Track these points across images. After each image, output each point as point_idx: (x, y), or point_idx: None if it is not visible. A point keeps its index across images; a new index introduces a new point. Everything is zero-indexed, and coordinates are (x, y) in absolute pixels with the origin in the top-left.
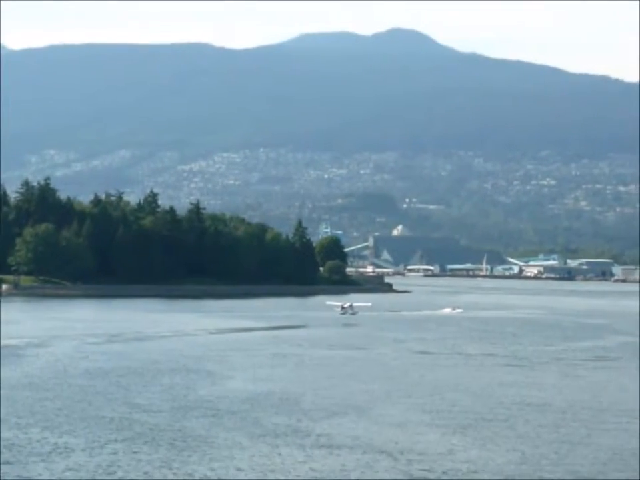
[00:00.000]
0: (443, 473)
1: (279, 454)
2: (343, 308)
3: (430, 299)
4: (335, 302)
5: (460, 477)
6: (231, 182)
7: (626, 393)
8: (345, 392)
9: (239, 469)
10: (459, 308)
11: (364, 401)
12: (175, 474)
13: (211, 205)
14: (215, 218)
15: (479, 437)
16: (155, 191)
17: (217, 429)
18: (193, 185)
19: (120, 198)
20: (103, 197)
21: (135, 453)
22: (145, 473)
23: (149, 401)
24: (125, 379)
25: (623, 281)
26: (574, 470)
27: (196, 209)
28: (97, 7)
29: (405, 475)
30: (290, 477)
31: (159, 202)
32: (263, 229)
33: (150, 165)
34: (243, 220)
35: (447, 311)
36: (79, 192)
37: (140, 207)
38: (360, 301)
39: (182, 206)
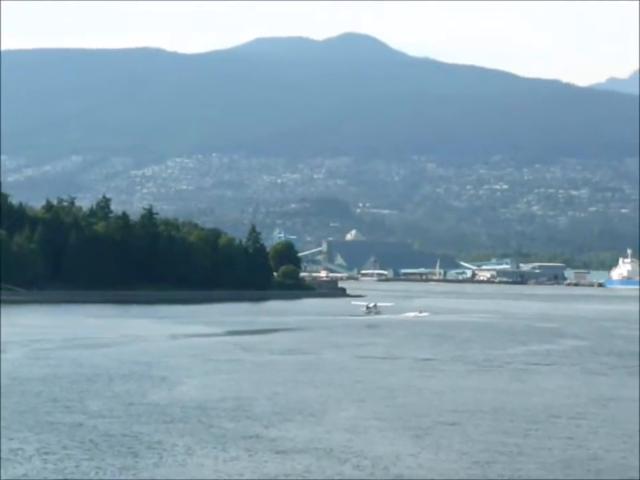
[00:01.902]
0: (395, 476)
1: (232, 459)
2: (367, 308)
3: (385, 303)
4: (360, 302)
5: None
6: (184, 187)
7: (576, 397)
8: (297, 397)
9: (191, 475)
10: (425, 312)
11: (316, 406)
12: (130, 478)
13: (164, 210)
14: (167, 223)
15: (430, 441)
16: (108, 196)
17: (170, 435)
18: (145, 190)
19: (72, 203)
20: (55, 202)
21: (88, 459)
22: (99, 478)
23: (102, 407)
24: (77, 385)
25: (575, 284)
26: (524, 474)
27: (149, 214)
28: (48, 11)
29: (359, 479)
30: None
31: (112, 207)
32: (216, 234)
33: (102, 170)
34: (196, 225)
35: (413, 314)
36: (31, 197)
37: (92, 212)
38: (313, 305)
39: (135, 211)
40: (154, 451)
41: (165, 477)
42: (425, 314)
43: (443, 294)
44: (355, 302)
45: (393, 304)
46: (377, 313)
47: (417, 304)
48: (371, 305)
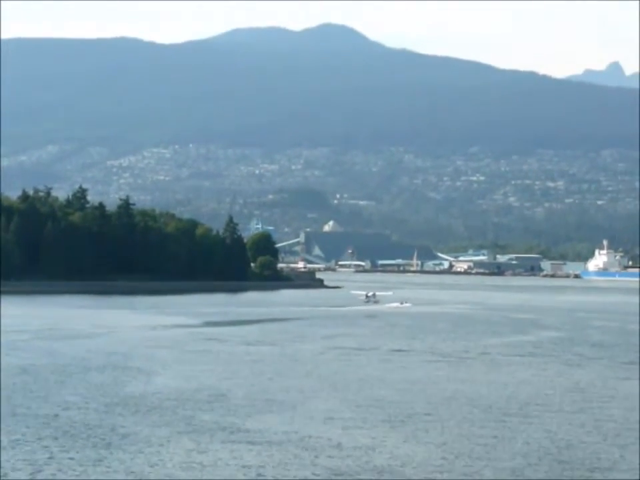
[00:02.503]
0: (371, 467)
1: (208, 450)
2: (367, 297)
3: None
4: (359, 292)
5: (386, 471)
6: (161, 177)
7: (551, 388)
8: (273, 388)
9: (167, 466)
10: (407, 302)
11: (292, 397)
12: (104, 471)
13: (141, 201)
14: (144, 214)
15: (406, 431)
16: (84, 186)
17: (146, 426)
18: (122, 181)
19: (48, 194)
20: (31, 192)
21: (63, 450)
22: (74, 470)
23: (78, 398)
24: (53, 376)
25: (552, 276)
26: (499, 464)
27: (125, 205)
28: (24, 1)
29: (333, 470)
30: (218, 473)
31: (88, 198)
32: (193, 224)
33: (79, 161)
34: (173, 216)
35: (395, 305)
36: (7, 187)
37: (69, 202)
38: (291, 295)
39: (111, 202)
40: (130, 441)
41: (140, 468)
42: (407, 305)
43: (420, 285)
44: (354, 291)
45: (392, 293)
46: (376, 302)
47: (395, 295)
48: (370, 294)
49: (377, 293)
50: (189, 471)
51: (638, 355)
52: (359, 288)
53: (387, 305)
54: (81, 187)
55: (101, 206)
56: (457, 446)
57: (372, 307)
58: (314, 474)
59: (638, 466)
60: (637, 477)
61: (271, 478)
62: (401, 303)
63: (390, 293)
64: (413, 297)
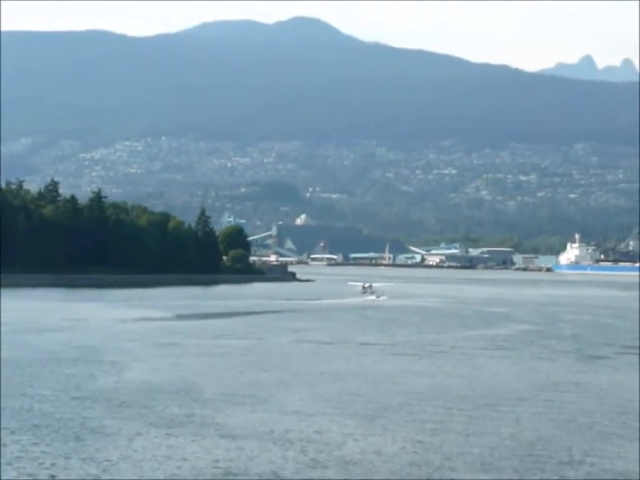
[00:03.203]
0: (341, 460)
1: (178, 443)
2: (363, 288)
3: (334, 288)
4: (356, 283)
5: (357, 464)
6: (133, 170)
7: (523, 381)
8: (244, 381)
9: (138, 459)
10: (383, 296)
11: (264, 390)
12: (74, 464)
13: (113, 194)
14: (116, 207)
15: (378, 424)
16: (56, 179)
17: (117, 419)
18: (94, 174)
19: (20, 186)
20: (2, 185)
21: (34, 443)
22: (44, 463)
23: (49, 391)
24: (24, 369)
25: (524, 269)
26: (470, 458)
27: (97, 198)
28: None
29: (303, 463)
30: (188, 466)
31: (60, 190)
32: (165, 217)
33: (51, 153)
34: (145, 209)
35: (371, 298)
36: None
37: (40, 195)
38: (264, 288)
39: (83, 194)
40: (100, 434)
41: (111, 461)
42: (383, 298)
43: (392, 278)
44: (351, 283)
45: (392, 284)
46: (372, 293)
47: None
48: (367, 285)
49: (373, 284)
50: (160, 464)
51: (609, 348)
52: (333, 281)
53: (364, 299)
54: (52, 180)
55: (73, 199)
56: (428, 439)
57: (345, 300)
58: (284, 467)
59: (609, 458)
60: (608, 469)
61: (241, 471)
62: (377, 297)
63: (390, 284)
64: (386, 290)
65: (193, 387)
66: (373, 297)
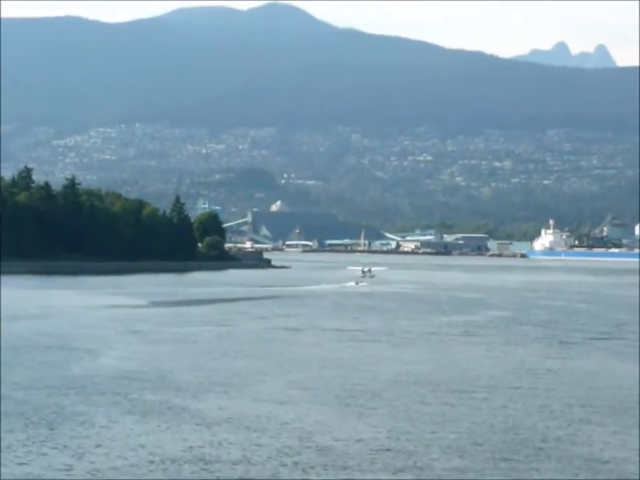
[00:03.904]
0: (314, 447)
1: (153, 430)
2: (362, 272)
3: (310, 274)
4: (356, 267)
5: (330, 451)
6: (107, 157)
7: (497, 367)
8: (219, 368)
9: (112, 446)
10: (362, 282)
11: (239, 377)
12: (48, 451)
13: (87, 181)
14: (90, 193)
15: (354, 411)
16: (30, 166)
17: (91, 406)
18: (68, 160)
19: None
20: None
21: (7, 431)
22: (17, 450)
23: (22, 379)
24: None
25: (498, 255)
26: (445, 444)
27: (71, 185)
28: None
29: (276, 450)
30: (162, 453)
31: (34, 177)
32: (139, 204)
33: (24, 140)
34: (119, 195)
35: (350, 284)
36: None
37: (14, 182)
38: (239, 275)
39: (57, 181)
40: (74, 422)
41: (85, 448)
42: (363, 284)
43: (368, 265)
44: (350, 267)
45: (386, 268)
46: (372, 277)
47: (343, 275)
48: (366, 269)
49: (372, 269)
50: (134, 451)
51: (582, 334)
52: (308, 268)
53: (343, 284)
54: (26, 167)
55: (47, 186)
56: (403, 425)
57: (320, 286)
58: (258, 454)
59: (583, 443)
60: (582, 454)
61: (215, 458)
62: (356, 283)
63: (384, 268)
64: (355, 277)
65: (167, 374)
66: (352, 283)
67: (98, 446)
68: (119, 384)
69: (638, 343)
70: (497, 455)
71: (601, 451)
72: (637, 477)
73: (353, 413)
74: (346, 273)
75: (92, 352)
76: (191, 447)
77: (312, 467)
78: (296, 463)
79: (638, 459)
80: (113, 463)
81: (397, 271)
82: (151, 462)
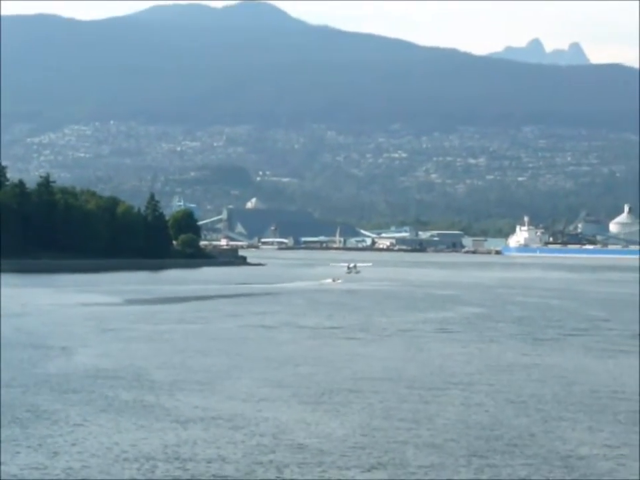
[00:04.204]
0: (289, 444)
1: (127, 428)
2: (348, 268)
3: (285, 271)
4: (341, 263)
5: (305, 448)
6: (82, 155)
7: (472, 364)
8: (194, 366)
9: (86, 444)
10: (339, 279)
11: (214, 375)
12: (21, 450)
13: (62, 178)
14: (65, 191)
15: (328, 408)
16: (4, 163)
17: (66, 404)
18: (42, 158)
19: None
20: None
21: None
22: None
23: None
24: None
25: (473, 252)
26: (420, 441)
27: (46, 182)
28: None
29: (254, 447)
30: (137, 451)
31: (8, 175)
32: (114, 202)
33: None
34: (94, 193)
35: (327, 281)
36: None
37: None
38: (214, 273)
39: (32, 179)
40: (49, 420)
41: (59, 446)
42: (339, 281)
43: (343, 262)
44: (334, 264)
45: (371, 264)
46: (357, 272)
47: (319, 272)
48: (351, 265)
49: (358, 264)
50: (108, 449)
51: (557, 330)
52: (284, 265)
53: (321, 282)
54: (0, 164)
55: (21, 183)
56: (378, 422)
57: (296, 284)
58: (232, 451)
59: (557, 439)
60: (557, 450)
61: (190, 456)
62: (334, 280)
63: (370, 264)
64: (337, 273)
65: (141, 372)
66: (330, 280)
67: (72, 444)
68: (94, 382)
69: (612, 340)
70: (472, 451)
71: (575, 448)
72: (611, 473)
73: (328, 410)
74: (324, 270)
75: (66, 350)
76: (165, 445)
77: (287, 465)
78: (271, 461)
79: (612, 455)
80: (88, 462)
81: (372, 268)
82: (126, 460)
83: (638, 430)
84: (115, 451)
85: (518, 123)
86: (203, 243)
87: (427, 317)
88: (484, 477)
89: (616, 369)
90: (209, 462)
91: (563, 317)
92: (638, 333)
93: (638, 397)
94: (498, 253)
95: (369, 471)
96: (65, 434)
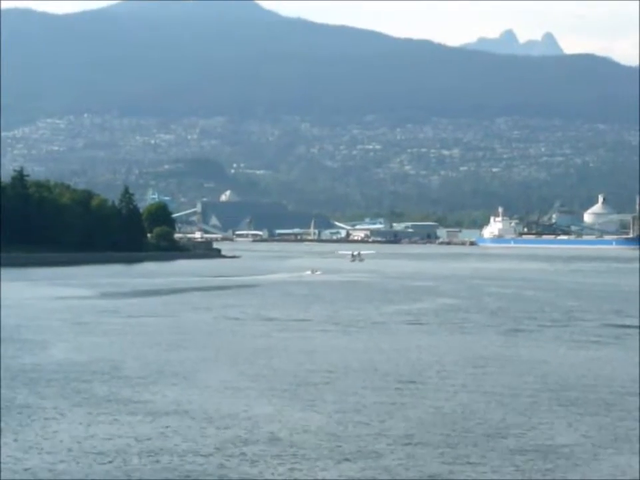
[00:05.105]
0: (263, 436)
1: (101, 422)
2: (352, 255)
3: (260, 264)
4: (345, 251)
5: (278, 440)
6: (56, 148)
7: (447, 355)
8: (168, 359)
9: (61, 438)
10: (317, 271)
11: (188, 368)
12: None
13: (35, 172)
14: (39, 185)
15: (303, 400)
16: None
17: (40, 398)
18: (16, 152)
19: None
20: None
21: None
22: None
23: None
24: None
25: (448, 243)
26: (394, 432)
27: (19, 176)
28: None
29: (228, 440)
30: (111, 444)
31: None
32: (88, 195)
33: None
34: (68, 187)
35: (308, 273)
36: None
37: None
38: (188, 266)
39: (5, 173)
40: (23, 414)
41: (33, 440)
42: (318, 273)
43: (319, 254)
44: (341, 251)
45: (374, 251)
46: (361, 260)
47: (293, 264)
48: (355, 252)
49: (362, 252)
50: (82, 443)
51: (532, 321)
52: (258, 258)
53: (300, 274)
54: None
55: None
56: (352, 414)
57: (271, 276)
58: (207, 444)
59: (533, 430)
60: (532, 441)
61: (165, 449)
62: (312, 272)
63: (373, 251)
64: (314, 265)
65: (116, 365)
66: (309, 272)
67: (47, 438)
68: (67, 376)
69: (587, 330)
70: (446, 443)
71: (551, 438)
72: (586, 463)
73: (301, 403)
74: (300, 263)
75: (41, 343)
76: (139, 438)
77: (260, 457)
78: (244, 454)
79: (588, 445)
80: (62, 456)
81: (348, 259)
82: (99, 453)
83: (613, 420)
84: (88, 445)
85: (491, 114)
86: (177, 235)
87: (401, 308)
88: (458, 468)
89: (590, 360)
90: (182, 455)
91: (537, 308)
92: (612, 323)
93: (612, 387)
94: (472, 244)
95: (342, 462)
96: (39, 428)
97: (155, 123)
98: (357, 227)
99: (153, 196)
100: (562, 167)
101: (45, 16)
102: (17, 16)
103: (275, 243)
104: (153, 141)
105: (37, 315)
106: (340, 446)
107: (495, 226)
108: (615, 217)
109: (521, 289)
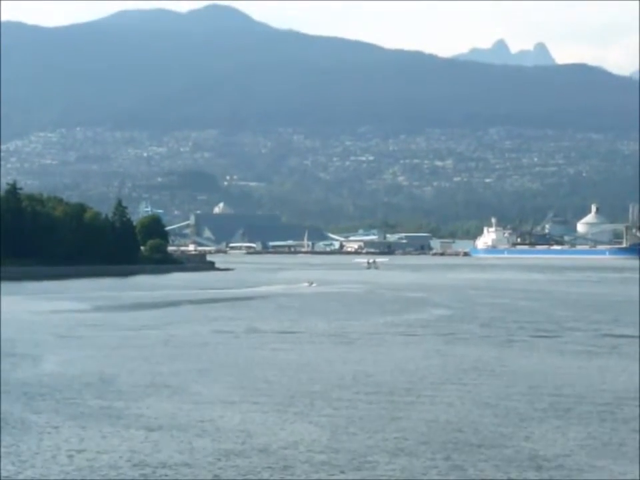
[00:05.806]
0: (255, 449)
1: (94, 436)
2: (368, 263)
3: (253, 276)
4: (361, 259)
5: (271, 452)
6: (48, 161)
7: (440, 366)
8: (160, 372)
9: (53, 452)
10: (314, 283)
11: (179, 381)
12: None
13: (28, 185)
14: (32, 198)
15: (294, 412)
16: None
17: (32, 412)
18: (9, 165)
19: None
20: None
21: None
22: None
23: None
24: None
25: (441, 254)
26: (388, 444)
27: (13, 190)
28: None
29: (221, 452)
30: (103, 458)
31: None
32: (81, 208)
33: None
34: (61, 200)
35: (305, 285)
36: None
37: None
38: (182, 278)
39: None
40: (15, 428)
41: (25, 454)
42: (314, 285)
43: (312, 266)
44: (356, 259)
45: (388, 259)
46: (376, 268)
47: (287, 276)
48: (371, 260)
49: (377, 260)
50: (74, 457)
51: (524, 332)
52: (252, 270)
53: (297, 285)
54: None
55: None
56: (346, 426)
57: (265, 288)
58: (200, 457)
59: (525, 440)
60: (525, 451)
61: (158, 463)
62: (309, 284)
63: (387, 259)
64: (304, 277)
65: (109, 378)
66: (305, 284)
67: (40, 452)
68: (60, 389)
69: (579, 340)
70: (441, 454)
71: (544, 447)
72: (580, 473)
73: (295, 415)
74: (294, 275)
75: (33, 357)
76: (132, 451)
77: (254, 469)
78: (237, 466)
79: (582, 455)
80: (54, 469)
81: (341, 271)
82: (92, 467)
83: (605, 430)
84: (81, 458)
85: (484, 124)
86: (170, 248)
87: (395, 319)
88: (452, 478)
89: (584, 370)
90: (175, 468)
91: (530, 318)
92: (606, 333)
93: (606, 397)
94: (466, 254)
95: (336, 474)
96: (32, 441)
97: (147, 136)
98: (351, 238)
99: (146, 209)
100: (555, 176)
101: (36, 29)
102: (8, 29)
103: (269, 255)
104: (145, 154)
105: (30, 329)
106: (334, 457)
107: (488, 236)
108: (608, 227)
109: (515, 299)
